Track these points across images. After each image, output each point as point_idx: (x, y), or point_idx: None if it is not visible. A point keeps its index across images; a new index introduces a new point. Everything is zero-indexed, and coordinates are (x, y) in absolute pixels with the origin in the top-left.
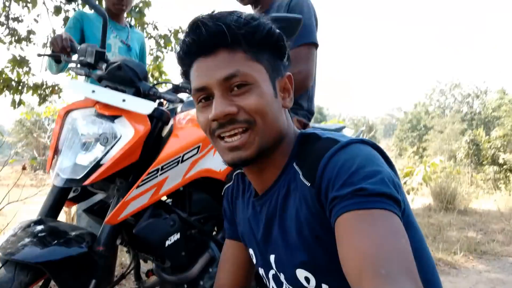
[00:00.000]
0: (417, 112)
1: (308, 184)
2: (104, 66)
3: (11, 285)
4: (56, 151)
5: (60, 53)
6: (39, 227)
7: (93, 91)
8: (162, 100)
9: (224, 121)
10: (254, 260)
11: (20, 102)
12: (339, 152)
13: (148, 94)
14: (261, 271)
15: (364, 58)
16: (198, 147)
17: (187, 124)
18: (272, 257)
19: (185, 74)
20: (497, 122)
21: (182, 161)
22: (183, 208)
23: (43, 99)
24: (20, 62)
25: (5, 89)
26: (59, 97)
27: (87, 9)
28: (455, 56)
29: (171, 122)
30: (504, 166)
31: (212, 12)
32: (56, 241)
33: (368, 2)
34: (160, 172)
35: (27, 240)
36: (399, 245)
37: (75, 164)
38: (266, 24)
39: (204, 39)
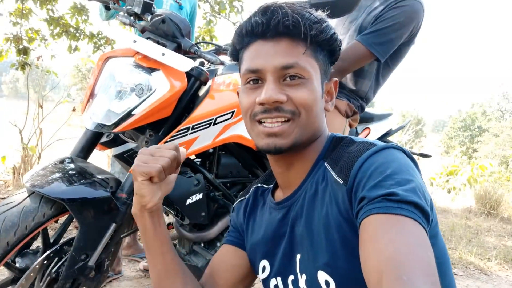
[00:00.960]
0: (473, 112)
1: (341, 181)
2: (149, 18)
3: (35, 215)
4: (92, 95)
5: (109, 0)
6: (69, 166)
7: (135, 41)
8: (203, 60)
9: (271, 107)
10: (267, 273)
11: (76, 48)
12: (375, 155)
13: (189, 52)
14: (275, 281)
15: (428, 55)
16: (233, 112)
17: (225, 87)
18: (298, 257)
19: (235, 53)
20: None
21: (215, 123)
22: (210, 169)
23: (97, 48)
24: (80, 10)
25: (63, 34)
26: (112, 47)
27: None
28: None
29: (209, 83)
30: None
31: (286, 2)
32: (82, 181)
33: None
34: (190, 131)
35: (55, 175)
36: (424, 256)
37: (108, 110)
38: (332, 28)
39: (275, 24)
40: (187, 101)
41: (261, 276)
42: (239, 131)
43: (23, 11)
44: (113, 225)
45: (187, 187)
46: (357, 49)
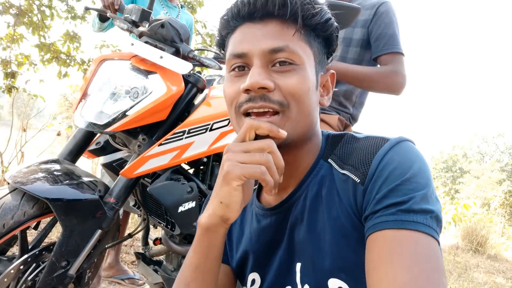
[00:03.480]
0: (454, 154)
1: (358, 180)
2: (147, 24)
3: (14, 213)
4: (84, 95)
5: (107, 9)
6: (55, 166)
7: (132, 44)
8: (200, 71)
9: (256, 94)
10: (257, 286)
11: (66, 74)
12: (392, 151)
13: (187, 57)
14: None
15: (409, 98)
16: (229, 119)
17: (222, 96)
18: (298, 266)
19: (222, 41)
20: None
21: (211, 129)
22: (203, 180)
23: None
24: (72, 37)
25: (53, 60)
26: None
27: None
28: (503, 105)
29: (205, 92)
30: None
31: None
32: (68, 182)
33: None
34: (186, 135)
35: (40, 174)
36: (439, 284)
37: (101, 111)
38: (327, 12)
39: (262, 3)
40: (183, 106)
41: None
42: None
43: (14, 37)
44: (99, 232)
45: (180, 194)
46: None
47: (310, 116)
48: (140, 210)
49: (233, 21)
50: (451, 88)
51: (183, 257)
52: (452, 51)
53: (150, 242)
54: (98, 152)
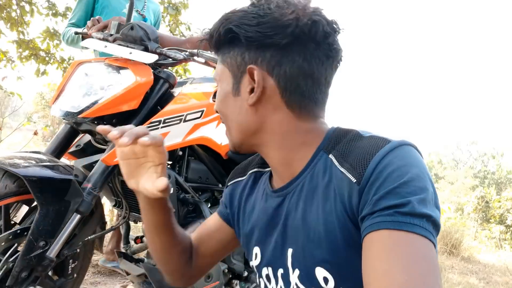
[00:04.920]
0: (430, 160)
1: (354, 180)
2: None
3: None
4: (61, 92)
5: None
6: (37, 155)
7: (105, 46)
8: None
9: None
10: (258, 261)
11: (44, 72)
12: (392, 154)
13: (155, 52)
14: (266, 270)
15: (384, 103)
16: (202, 111)
17: (194, 92)
18: (290, 251)
19: None
20: (511, 184)
21: (185, 120)
22: (179, 173)
23: None
24: (52, 34)
25: (32, 57)
26: None
27: None
28: (477, 114)
29: (178, 90)
30: (511, 228)
31: None
32: (45, 164)
33: (391, 54)
34: (162, 125)
35: (20, 159)
36: (435, 287)
37: (76, 101)
38: (214, 30)
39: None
40: (156, 100)
41: (253, 263)
42: (209, 133)
43: None
44: (77, 216)
45: None
46: None
47: (235, 122)
48: (121, 209)
49: None
50: (428, 97)
51: None
52: (430, 58)
53: (131, 242)
54: (78, 154)
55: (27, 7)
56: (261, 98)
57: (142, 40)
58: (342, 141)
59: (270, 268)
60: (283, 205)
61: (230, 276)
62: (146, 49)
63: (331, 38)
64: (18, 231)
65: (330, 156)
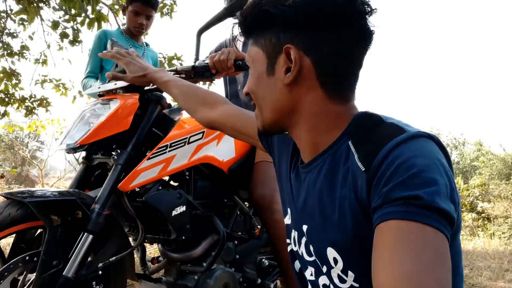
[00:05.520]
0: None
1: (363, 168)
2: None
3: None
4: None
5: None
6: (43, 188)
7: (99, 87)
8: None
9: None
10: (290, 221)
11: (5, 114)
12: (404, 145)
13: None
14: (294, 233)
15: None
16: (203, 132)
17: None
18: (305, 227)
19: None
20: (476, 172)
21: (189, 142)
22: (188, 191)
23: (30, 111)
24: (10, 74)
25: None
26: (47, 110)
27: (108, 26)
28: (434, 105)
29: (178, 116)
30: (482, 214)
31: None
32: (51, 190)
33: None
34: (169, 149)
35: (29, 191)
36: (443, 278)
37: (72, 134)
38: (252, 7)
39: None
40: (151, 121)
41: (286, 220)
42: (211, 152)
43: None
44: (90, 237)
45: (172, 200)
46: None
47: (268, 103)
48: (135, 233)
49: None
50: (412, 87)
51: (182, 263)
52: (418, 50)
53: (148, 264)
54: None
55: None
56: (297, 77)
57: (124, 72)
58: (364, 127)
59: (296, 233)
60: (304, 182)
61: (245, 284)
62: None
63: (365, 18)
64: (27, 257)
65: (350, 142)
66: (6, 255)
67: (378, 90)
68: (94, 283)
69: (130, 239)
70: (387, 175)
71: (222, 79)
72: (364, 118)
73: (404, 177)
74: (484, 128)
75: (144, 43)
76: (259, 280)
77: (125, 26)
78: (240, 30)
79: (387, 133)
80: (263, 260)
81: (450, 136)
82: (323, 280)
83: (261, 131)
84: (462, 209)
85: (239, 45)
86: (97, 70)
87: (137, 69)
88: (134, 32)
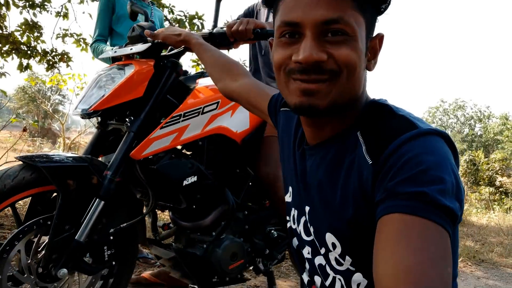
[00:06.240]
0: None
1: (370, 161)
2: None
3: (15, 177)
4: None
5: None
6: (57, 153)
7: (115, 52)
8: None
9: (310, 67)
10: (289, 198)
11: (27, 67)
12: (414, 141)
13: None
14: (294, 212)
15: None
16: (218, 102)
17: (209, 85)
18: (307, 208)
19: (269, 0)
20: (498, 146)
21: (203, 113)
22: (200, 161)
23: (51, 66)
24: (32, 27)
25: (13, 52)
26: (68, 65)
27: None
28: (462, 77)
29: (194, 85)
30: (500, 189)
31: None
32: (64, 156)
33: None
34: (182, 118)
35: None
36: (444, 273)
37: (87, 98)
38: None
39: None
40: (166, 89)
41: (287, 198)
42: (225, 122)
43: None
44: (101, 203)
45: (183, 170)
46: None
47: (358, 83)
48: (147, 199)
49: None
50: (415, 60)
51: (191, 232)
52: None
53: (159, 229)
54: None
55: (2, 0)
56: None
57: (142, 37)
58: (374, 118)
59: (296, 211)
60: (308, 163)
61: (253, 254)
62: (146, 43)
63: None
64: (41, 221)
65: (358, 133)
66: (22, 219)
67: (403, 60)
68: (105, 247)
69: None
70: (394, 170)
71: (254, 48)
72: (374, 108)
73: (411, 173)
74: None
75: (150, 2)
76: (267, 251)
77: None
78: None
79: (397, 126)
80: (272, 231)
81: (475, 109)
82: (319, 260)
83: (317, 108)
84: (480, 183)
85: (263, 14)
86: (106, 33)
87: (174, 29)
88: None
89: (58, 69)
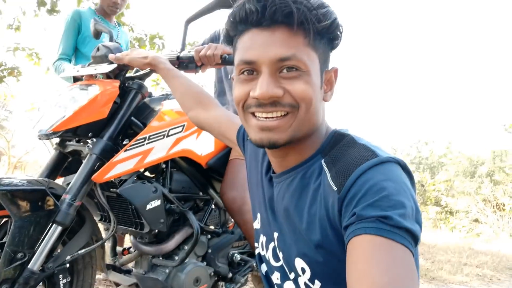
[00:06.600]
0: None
1: (335, 188)
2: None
3: None
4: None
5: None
6: (14, 176)
7: (78, 71)
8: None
9: (266, 102)
10: (259, 225)
11: None
12: (375, 169)
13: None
14: (263, 238)
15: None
16: (183, 125)
17: (175, 108)
18: (275, 234)
19: (230, 40)
20: (443, 168)
21: (168, 135)
22: (164, 184)
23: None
24: None
25: None
26: (18, 80)
27: (81, 6)
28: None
29: (159, 107)
30: (446, 208)
31: None
32: (20, 179)
33: None
34: (147, 141)
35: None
36: None
37: (46, 119)
38: (333, 13)
39: (271, 12)
40: (130, 111)
41: (255, 224)
42: (190, 145)
43: None
44: (58, 228)
45: (146, 193)
46: None
47: (315, 115)
48: (107, 223)
49: (241, 25)
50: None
51: (153, 257)
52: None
53: (118, 254)
54: (65, 175)
55: None
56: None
57: (106, 57)
58: (337, 146)
59: (265, 238)
60: (275, 190)
61: (216, 278)
62: (112, 64)
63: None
64: None
65: (323, 161)
66: None
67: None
68: (61, 276)
69: (101, 227)
70: (359, 196)
71: (219, 71)
72: (337, 137)
73: (375, 199)
74: (456, 129)
75: (117, 23)
76: (230, 275)
77: (98, 5)
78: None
79: (359, 155)
80: (236, 254)
81: (421, 132)
82: (289, 285)
83: (276, 142)
84: (427, 203)
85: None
86: (71, 52)
87: (140, 52)
88: (108, 11)
89: (6, 83)
